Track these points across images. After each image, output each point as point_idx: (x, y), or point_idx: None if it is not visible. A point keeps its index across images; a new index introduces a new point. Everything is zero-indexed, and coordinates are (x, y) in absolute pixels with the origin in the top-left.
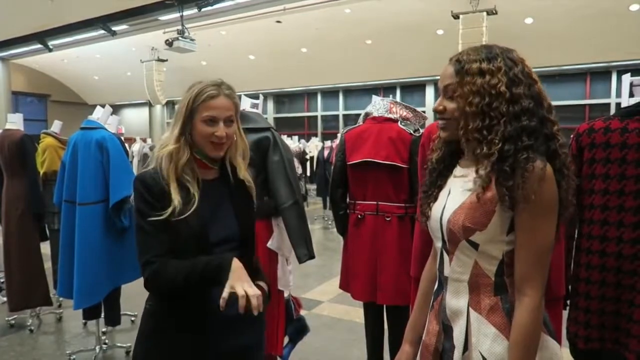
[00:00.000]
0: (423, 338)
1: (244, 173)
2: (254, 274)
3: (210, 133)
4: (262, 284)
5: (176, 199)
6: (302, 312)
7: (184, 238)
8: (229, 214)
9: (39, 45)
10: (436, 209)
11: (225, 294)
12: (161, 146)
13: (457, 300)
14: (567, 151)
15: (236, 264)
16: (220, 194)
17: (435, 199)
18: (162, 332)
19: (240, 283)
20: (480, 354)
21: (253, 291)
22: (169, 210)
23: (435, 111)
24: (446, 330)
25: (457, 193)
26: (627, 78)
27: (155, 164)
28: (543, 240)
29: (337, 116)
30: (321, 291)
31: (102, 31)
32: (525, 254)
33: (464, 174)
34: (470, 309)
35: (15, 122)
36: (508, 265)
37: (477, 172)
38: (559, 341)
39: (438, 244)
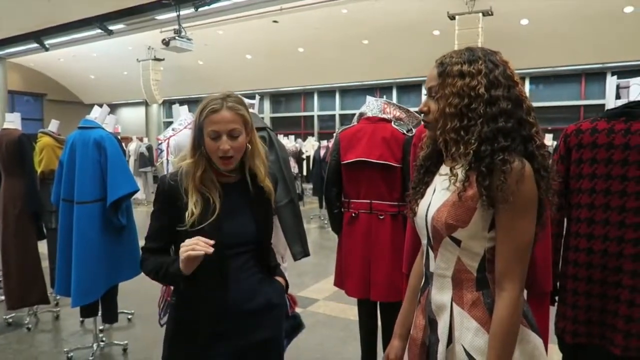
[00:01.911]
0: (411, 332)
1: (265, 180)
2: (272, 271)
3: (215, 148)
4: (279, 279)
5: (196, 211)
6: (298, 310)
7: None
8: (247, 217)
9: (36, 45)
10: (422, 206)
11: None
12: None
13: (441, 295)
14: (546, 153)
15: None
16: (239, 196)
17: (422, 195)
18: (182, 324)
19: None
20: (463, 347)
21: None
22: (189, 222)
23: (421, 111)
24: (432, 324)
25: (441, 191)
26: (613, 80)
27: (176, 170)
28: (522, 237)
29: (333, 116)
30: (317, 289)
31: (99, 30)
32: (505, 250)
33: (447, 173)
34: (453, 303)
35: (13, 122)
36: (490, 262)
37: (451, 170)
38: (547, 336)
39: (424, 241)
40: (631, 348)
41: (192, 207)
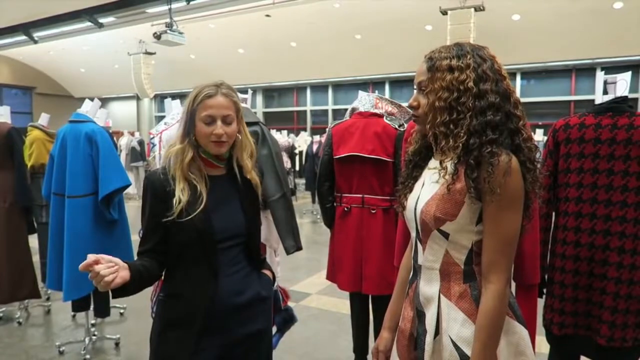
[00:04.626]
0: (399, 324)
1: (251, 173)
2: (260, 264)
3: (209, 132)
4: (267, 272)
5: (183, 198)
6: (291, 304)
7: (189, 233)
8: (236, 209)
9: (24, 37)
10: (411, 199)
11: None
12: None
13: (429, 287)
14: (532, 145)
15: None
16: (227, 189)
17: (411, 190)
18: (170, 319)
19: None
20: (450, 337)
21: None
22: (177, 210)
23: (410, 106)
24: (420, 316)
25: (430, 184)
26: (601, 76)
27: (164, 163)
28: (508, 230)
29: (326, 111)
30: (309, 283)
31: (89, 23)
32: (491, 243)
33: (436, 167)
34: (441, 295)
35: (3, 115)
36: (477, 254)
37: (441, 163)
38: (534, 328)
39: (413, 234)
40: (616, 339)
41: (180, 194)
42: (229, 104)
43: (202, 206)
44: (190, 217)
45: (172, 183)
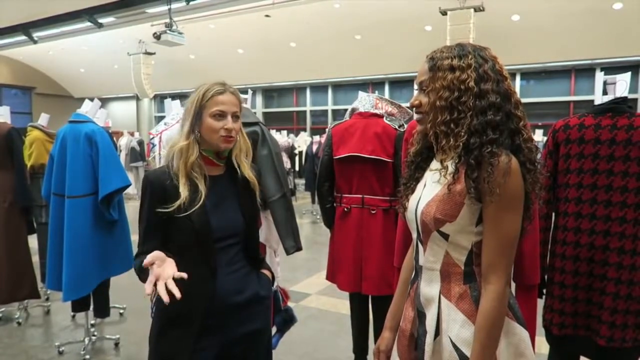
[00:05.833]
0: (400, 324)
1: (248, 172)
2: (259, 264)
3: (219, 127)
4: (266, 272)
5: (184, 194)
6: (290, 304)
7: (187, 233)
8: (234, 208)
9: (24, 37)
10: (412, 200)
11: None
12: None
13: (430, 288)
14: (533, 146)
15: (148, 259)
16: (226, 188)
17: (413, 191)
18: (169, 319)
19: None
20: (450, 338)
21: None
22: (175, 204)
23: (412, 106)
24: (420, 316)
25: (431, 185)
26: (601, 77)
27: (165, 162)
28: (508, 231)
29: (326, 111)
30: (309, 284)
31: (89, 23)
32: (491, 243)
33: (438, 168)
34: (441, 296)
35: (2, 115)
36: (477, 255)
37: (442, 163)
38: (534, 328)
39: (414, 235)
40: (615, 339)
41: (183, 190)
42: (236, 101)
43: (200, 203)
44: (187, 213)
45: (175, 179)
